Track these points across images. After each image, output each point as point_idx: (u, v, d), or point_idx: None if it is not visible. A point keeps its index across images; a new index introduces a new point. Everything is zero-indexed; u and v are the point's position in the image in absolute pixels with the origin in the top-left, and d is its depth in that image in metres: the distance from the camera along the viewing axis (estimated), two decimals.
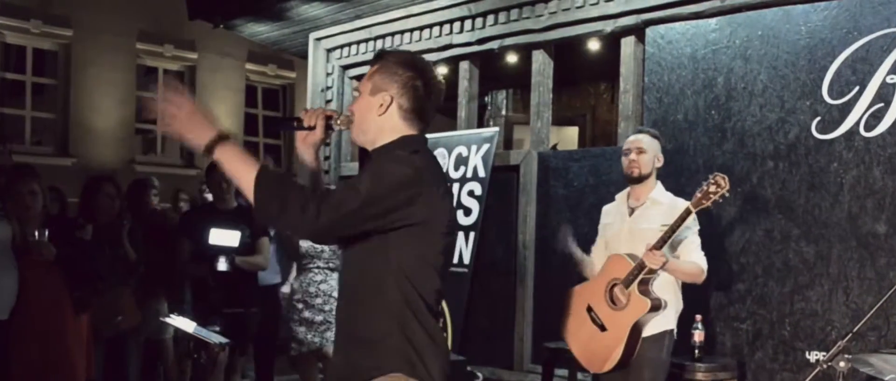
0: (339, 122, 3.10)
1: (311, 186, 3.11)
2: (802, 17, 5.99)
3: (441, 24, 8.29)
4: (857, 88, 5.69)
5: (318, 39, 9.57)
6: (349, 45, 9.29)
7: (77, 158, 14.94)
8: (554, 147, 9.12)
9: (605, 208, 5.41)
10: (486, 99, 10.61)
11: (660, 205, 5.05)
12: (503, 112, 10.66)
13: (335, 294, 7.03)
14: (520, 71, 8.44)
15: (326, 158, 9.37)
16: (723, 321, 6.10)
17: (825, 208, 5.76)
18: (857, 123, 5.67)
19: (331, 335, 6.96)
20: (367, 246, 2.89)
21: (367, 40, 9.04)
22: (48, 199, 6.13)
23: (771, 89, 6.08)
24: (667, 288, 4.97)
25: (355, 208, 2.76)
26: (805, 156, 5.88)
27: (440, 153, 7.89)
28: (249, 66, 17.33)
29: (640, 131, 5.31)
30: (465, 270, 7.56)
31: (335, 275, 7.12)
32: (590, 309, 5.05)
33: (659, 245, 4.73)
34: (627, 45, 7.07)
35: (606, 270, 5.04)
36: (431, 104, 3.07)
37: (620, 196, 5.28)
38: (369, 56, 9.02)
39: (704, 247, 5.00)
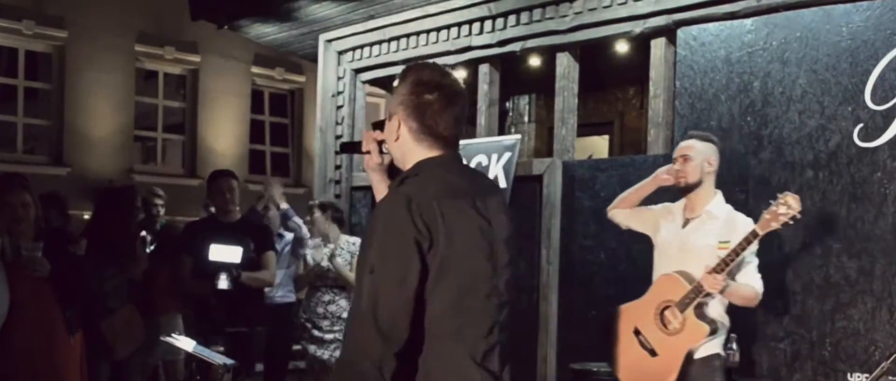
0: (386, 147, 3.12)
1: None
2: (844, 18, 6.03)
3: (459, 24, 8.34)
4: None
5: (329, 41, 9.64)
6: (362, 47, 9.34)
7: (72, 168, 15.06)
8: (589, 157, 9.14)
9: (666, 206, 5.42)
10: (507, 105, 10.64)
11: (715, 219, 5.05)
12: (525, 118, 10.70)
13: (344, 315, 7.14)
14: (543, 75, 8.46)
15: (338, 167, 9.43)
16: (759, 341, 6.13)
17: (868, 221, 5.78)
18: None
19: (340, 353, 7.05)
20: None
21: (380, 42, 9.09)
22: (40, 210, 6.15)
23: (810, 94, 6.11)
24: (716, 308, 5.00)
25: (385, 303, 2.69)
26: (847, 165, 5.90)
27: None
28: (255, 69, 17.43)
29: (690, 136, 5.30)
30: None
31: (343, 295, 7.20)
32: (637, 332, 5.05)
33: (720, 269, 4.74)
34: (658, 47, 7.11)
35: (656, 290, 5.06)
36: (450, 116, 2.96)
37: (679, 205, 5.27)
38: (383, 59, 9.11)
39: None
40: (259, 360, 7.77)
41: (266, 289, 7.33)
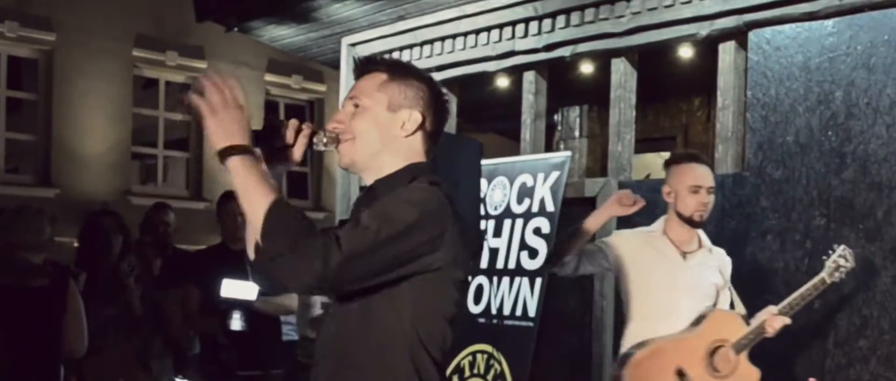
0: (324, 140, 3.09)
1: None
2: None
3: (501, 26, 8.35)
4: None
5: (353, 45, 9.66)
6: (390, 51, 9.24)
7: (61, 189, 15.11)
8: (647, 177, 9.16)
9: (641, 233, 5.54)
10: (555, 117, 10.70)
11: (713, 254, 5.33)
12: (576, 133, 10.77)
13: None
14: (597, 83, 8.49)
15: (362, 188, 9.48)
16: None
17: None
18: None
19: None
20: (370, 299, 2.92)
21: (411, 46, 9.12)
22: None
23: None
24: None
25: (372, 253, 2.75)
26: None
27: (500, 182, 7.96)
28: (269, 77, 17.50)
29: (691, 157, 5.43)
30: (531, 323, 7.58)
31: None
32: (681, 373, 5.13)
33: (786, 312, 5.04)
34: (726, 51, 7.10)
35: (709, 328, 5.15)
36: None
37: (657, 234, 5.38)
38: (416, 65, 9.10)
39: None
40: None
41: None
